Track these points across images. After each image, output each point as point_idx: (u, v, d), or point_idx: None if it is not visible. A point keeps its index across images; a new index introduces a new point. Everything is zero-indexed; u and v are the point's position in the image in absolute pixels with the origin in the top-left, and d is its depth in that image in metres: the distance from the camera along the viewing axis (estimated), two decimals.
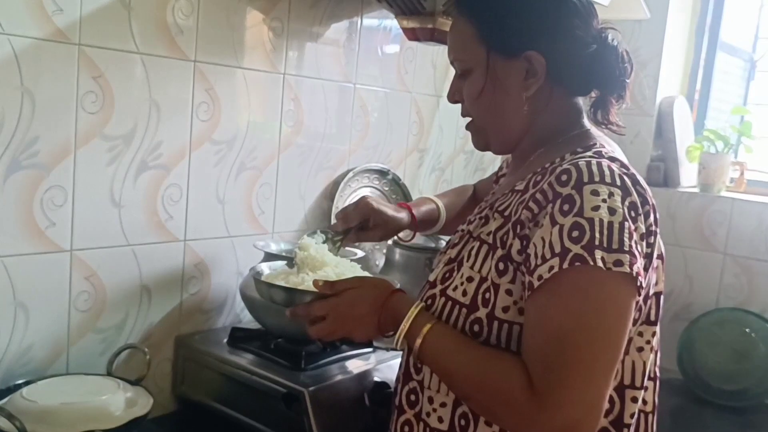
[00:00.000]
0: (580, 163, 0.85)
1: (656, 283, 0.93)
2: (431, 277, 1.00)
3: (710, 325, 1.95)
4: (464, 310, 0.92)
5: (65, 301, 1.31)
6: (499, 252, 0.90)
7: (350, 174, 1.83)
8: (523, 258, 0.87)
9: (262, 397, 1.32)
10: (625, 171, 0.87)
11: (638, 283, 0.82)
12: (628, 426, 0.93)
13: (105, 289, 1.36)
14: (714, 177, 2.09)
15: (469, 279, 0.93)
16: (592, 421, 0.81)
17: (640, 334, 0.93)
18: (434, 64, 2.07)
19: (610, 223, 0.81)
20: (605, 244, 0.80)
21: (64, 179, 1.27)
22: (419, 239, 1.79)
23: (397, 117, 1.98)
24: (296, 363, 1.35)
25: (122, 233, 1.37)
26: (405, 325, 0.94)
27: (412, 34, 1.64)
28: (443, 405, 0.96)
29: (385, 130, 1.95)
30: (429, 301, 0.97)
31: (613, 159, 0.89)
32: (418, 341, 0.92)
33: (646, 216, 0.86)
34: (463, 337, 0.91)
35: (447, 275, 0.97)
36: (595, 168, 0.84)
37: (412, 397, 1.00)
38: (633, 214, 0.83)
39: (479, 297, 0.90)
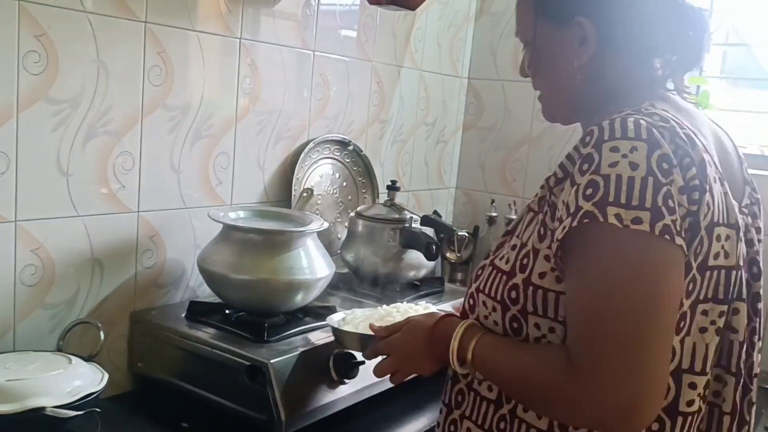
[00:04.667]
0: (604, 122, 0.79)
1: (721, 256, 0.82)
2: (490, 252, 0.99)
3: None
4: (504, 277, 0.89)
5: (10, 275, 1.23)
6: (540, 217, 0.87)
7: (310, 144, 1.78)
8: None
9: (225, 371, 1.27)
10: (663, 125, 0.79)
11: (671, 242, 0.74)
12: (685, 415, 0.83)
13: (53, 262, 1.29)
14: None
15: (513, 247, 0.90)
16: (650, 397, 0.75)
17: (704, 312, 0.83)
18: (394, 32, 2.02)
19: (631, 179, 0.74)
20: (622, 201, 0.74)
21: (6, 145, 1.19)
22: (381, 209, 1.75)
23: (357, 86, 1.93)
24: (259, 335, 1.30)
25: (71, 203, 1.30)
26: (454, 345, 0.92)
27: None
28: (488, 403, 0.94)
29: (345, 99, 1.90)
30: (480, 271, 0.95)
31: (650, 114, 0.81)
32: (469, 357, 0.90)
33: (685, 168, 0.77)
34: (509, 341, 0.89)
35: (500, 247, 0.95)
36: (618, 124, 0.78)
37: (459, 397, 0.98)
38: (665, 166, 0.75)
39: (518, 263, 0.88)
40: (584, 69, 0.92)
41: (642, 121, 0.78)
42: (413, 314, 1.18)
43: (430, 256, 1.58)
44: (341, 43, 1.85)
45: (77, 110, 1.28)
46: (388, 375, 1.08)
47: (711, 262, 0.81)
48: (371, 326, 1.13)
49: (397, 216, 1.71)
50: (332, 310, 1.46)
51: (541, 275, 0.85)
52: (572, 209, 0.77)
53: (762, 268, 0.93)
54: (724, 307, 0.84)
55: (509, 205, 2.24)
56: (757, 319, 0.92)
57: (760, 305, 0.92)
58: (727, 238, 0.83)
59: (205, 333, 1.35)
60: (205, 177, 1.54)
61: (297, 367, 1.25)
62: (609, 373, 0.74)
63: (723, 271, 0.83)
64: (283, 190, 1.73)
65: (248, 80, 1.60)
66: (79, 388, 1.06)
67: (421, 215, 1.74)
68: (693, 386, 0.83)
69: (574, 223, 0.76)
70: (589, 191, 0.76)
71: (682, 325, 0.81)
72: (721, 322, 0.84)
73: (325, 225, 1.44)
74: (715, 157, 0.85)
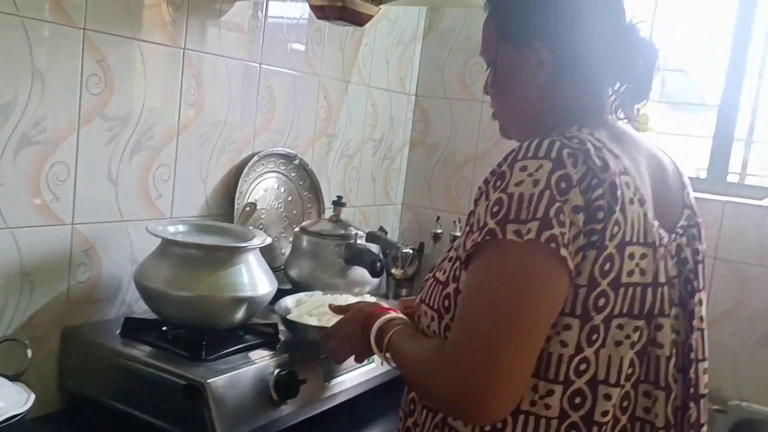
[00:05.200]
0: (525, 142, 0.85)
1: (636, 274, 0.85)
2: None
3: None
4: (440, 287, 0.94)
5: None
6: (467, 229, 0.90)
7: (255, 158, 1.75)
8: None
9: (160, 390, 1.23)
10: (579, 147, 0.83)
11: (555, 251, 0.79)
12: (600, 425, 0.86)
13: None
14: None
15: (450, 259, 0.95)
16: (495, 392, 0.80)
17: (620, 327, 0.85)
18: (342, 48, 2.02)
19: (531, 195, 0.80)
20: (521, 216, 0.80)
21: None
22: (326, 225, 1.74)
23: (304, 101, 1.91)
24: (197, 353, 1.27)
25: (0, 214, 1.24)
26: (374, 330, 1.04)
27: (321, 13, 1.58)
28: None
29: (292, 113, 1.88)
30: (424, 284, 1.01)
31: (570, 137, 0.84)
32: (385, 342, 1.01)
33: (591, 189, 0.81)
34: (418, 334, 0.99)
35: (443, 260, 0.99)
36: (534, 144, 0.83)
37: (412, 406, 1.01)
38: (563, 185, 0.80)
39: (451, 274, 0.93)
40: (540, 91, 0.96)
41: (557, 143, 0.83)
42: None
43: (374, 273, 1.57)
44: (288, 56, 1.84)
45: (9, 118, 1.23)
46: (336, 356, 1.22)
47: (624, 279, 0.84)
48: (330, 305, 1.32)
49: (342, 232, 1.69)
50: (274, 327, 1.43)
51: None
52: (481, 224, 0.83)
53: (698, 286, 0.96)
54: (641, 323, 0.86)
55: (454, 222, 2.25)
56: (694, 336, 0.94)
57: (697, 323, 0.95)
58: (643, 256, 0.86)
59: (141, 351, 1.30)
60: (144, 189, 1.50)
61: (236, 387, 1.22)
62: (460, 357, 0.81)
63: (639, 288, 0.86)
64: (226, 203, 1.69)
65: (192, 91, 1.57)
66: (2, 409, 1.01)
67: (366, 231, 1.73)
68: (608, 397, 0.86)
69: (479, 239, 0.82)
70: (496, 209, 0.82)
71: (595, 337, 0.84)
72: (636, 337, 0.86)
73: (268, 240, 1.41)
74: (638, 180, 0.88)
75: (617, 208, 0.82)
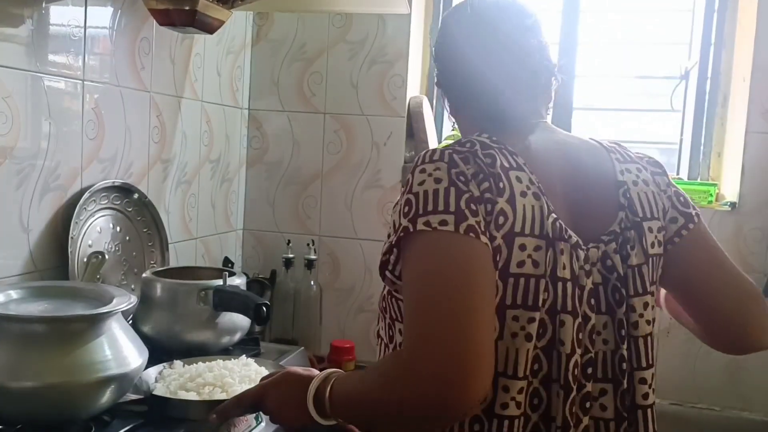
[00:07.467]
0: (420, 153, 0.91)
1: (527, 265, 0.86)
2: None
3: None
4: (382, 289, 0.98)
5: None
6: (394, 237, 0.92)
7: (86, 195, 1.44)
8: None
9: None
10: (467, 150, 0.89)
11: (475, 239, 0.82)
12: (500, 418, 0.86)
13: None
14: None
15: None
16: (480, 359, 0.77)
17: (515, 318, 0.87)
18: (173, 58, 1.75)
19: (436, 191, 0.85)
20: (429, 209, 0.84)
21: None
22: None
23: (135, 121, 1.63)
24: None
25: None
26: (311, 390, 0.90)
27: (165, 18, 1.33)
28: None
29: (122, 137, 1.58)
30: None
31: (463, 143, 0.91)
32: (326, 396, 0.89)
33: (480, 183, 0.86)
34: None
35: None
36: (428, 152, 0.89)
37: None
38: (462, 179, 0.86)
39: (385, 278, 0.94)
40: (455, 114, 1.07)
41: (447, 150, 0.89)
42: (229, 371, 1.24)
43: (260, 320, 1.35)
44: (115, 70, 1.54)
45: None
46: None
47: (513, 270, 0.86)
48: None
49: (207, 273, 1.45)
50: (146, 404, 1.16)
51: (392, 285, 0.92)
52: (396, 226, 0.87)
53: (630, 293, 0.92)
54: (537, 314, 0.87)
55: (308, 244, 2.08)
56: (625, 346, 0.92)
57: (631, 331, 0.93)
58: (537, 248, 0.87)
59: None
60: None
61: None
62: (429, 345, 0.78)
63: (532, 279, 0.87)
64: (57, 254, 1.37)
65: (3, 118, 1.24)
66: None
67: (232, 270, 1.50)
68: (506, 389, 0.86)
69: (394, 239, 0.86)
70: (406, 209, 0.86)
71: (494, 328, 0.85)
72: (534, 330, 0.86)
73: (134, 300, 1.14)
74: (535, 176, 0.89)
75: (501, 199, 0.86)
